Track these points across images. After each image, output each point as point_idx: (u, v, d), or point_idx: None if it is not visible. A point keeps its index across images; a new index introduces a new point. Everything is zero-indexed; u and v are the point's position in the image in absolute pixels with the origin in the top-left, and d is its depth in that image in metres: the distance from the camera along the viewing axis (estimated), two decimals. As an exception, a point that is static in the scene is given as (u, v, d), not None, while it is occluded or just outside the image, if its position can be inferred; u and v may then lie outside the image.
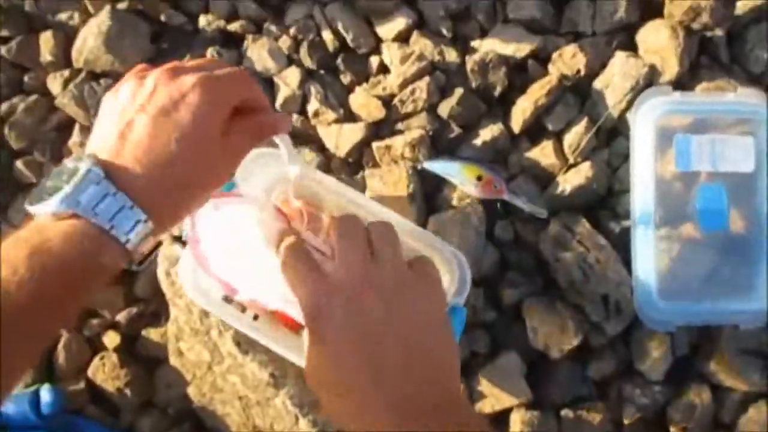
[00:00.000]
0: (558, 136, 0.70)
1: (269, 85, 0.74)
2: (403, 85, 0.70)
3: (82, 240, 0.38)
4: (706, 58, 0.70)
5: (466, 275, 0.60)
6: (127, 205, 0.39)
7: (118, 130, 0.41)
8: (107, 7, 0.74)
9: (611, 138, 0.70)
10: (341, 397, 0.39)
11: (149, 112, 0.41)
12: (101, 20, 0.73)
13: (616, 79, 0.68)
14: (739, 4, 0.70)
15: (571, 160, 0.68)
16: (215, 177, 0.44)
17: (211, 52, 0.74)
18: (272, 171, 0.65)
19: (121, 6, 0.75)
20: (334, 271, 0.41)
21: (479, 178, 0.65)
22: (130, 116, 0.41)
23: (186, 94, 0.42)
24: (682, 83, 0.68)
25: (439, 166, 0.66)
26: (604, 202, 0.69)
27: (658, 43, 0.68)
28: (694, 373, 0.70)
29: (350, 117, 0.72)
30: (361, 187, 0.69)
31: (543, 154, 0.69)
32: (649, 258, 0.64)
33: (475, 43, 0.72)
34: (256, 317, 0.64)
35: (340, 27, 0.73)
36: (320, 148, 0.72)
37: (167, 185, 0.40)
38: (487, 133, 0.70)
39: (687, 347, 0.70)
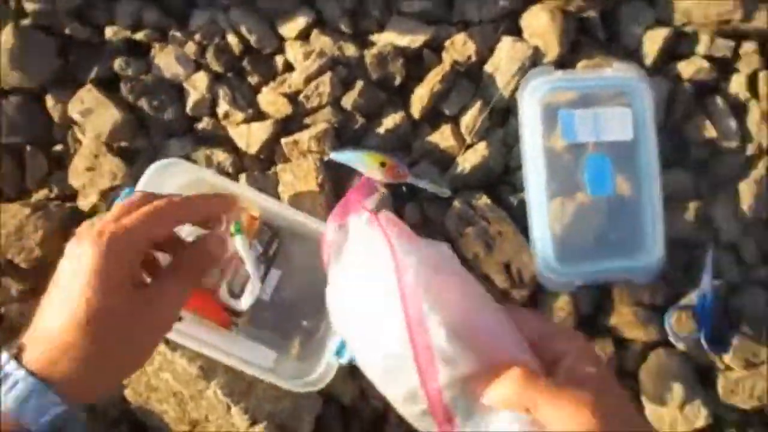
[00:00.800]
0: (455, 120, 0.74)
1: (178, 90, 0.76)
2: (307, 82, 0.73)
3: None
4: (586, 37, 0.75)
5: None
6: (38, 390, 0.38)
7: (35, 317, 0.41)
8: (10, 25, 0.74)
9: (505, 118, 0.74)
10: None
11: (48, 293, 0.41)
12: (5, 38, 0.74)
13: (503, 62, 0.73)
14: (611, -16, 0.75)
15: (469, 141, 0.72)
16: (138, 348, 0.43)
17: (119, 62, 0.75)
18: (182, 179, 0.67)
19: (25, 23, 0.76)
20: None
21: (383, 165, 0.69)
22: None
23: (79, 258, 0.40)
24: (564, 62, 0.73)
25: (344, 156, 0.70)
26: (503, 178, 0.74)
27: (540, 26, 0.72)
28: (598, 328, 0.76)
29: (259, 116, 0.75)
30: (274, 182, 0.72)
31: (442, 137, 0.73)
32: (544, 226, 0.69)
33: (373, 37, 0.76)
34: (180, 319, 0.66)
35: (243, 30, 0.75)
36: (233, 148, 0.75)
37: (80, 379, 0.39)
38: (390, 121, 0.73)
39: (591, 305, 0.75)
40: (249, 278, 0.62)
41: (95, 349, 0.39)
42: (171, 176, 0.65)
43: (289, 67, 0.76)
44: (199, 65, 0.76)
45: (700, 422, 0.72)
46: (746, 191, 0.73)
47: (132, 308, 0.41)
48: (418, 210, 0.73)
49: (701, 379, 0.75)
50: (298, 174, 0.70)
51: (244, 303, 0.63)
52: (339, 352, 0.62)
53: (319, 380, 0.63)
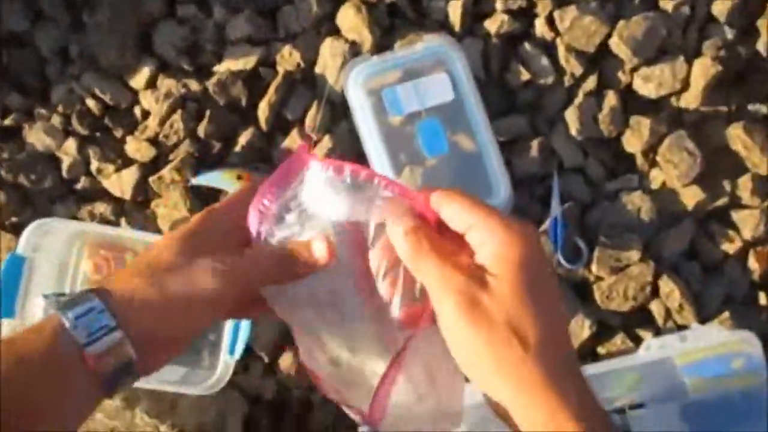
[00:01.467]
0: (301, 123, 0.81)
1: (53, 160, 0.82)
2: (162, 123, 0.80)
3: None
4: (398, 20, 0.82)
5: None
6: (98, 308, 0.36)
7: None
8: None
9: (346, 110, 0.81)
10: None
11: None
12: None
13: (328, 61, 0.80)
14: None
15: (315, 138, 0.79)
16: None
17: (-5, 150, 0.82)
18: (62, 236, 0.74)
19: None
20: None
21: (239, 178, 0.76)
22: None
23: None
24: (382, 47, 0.80)
25: (204, 179, 0.76)
26: (358, 163, 0.81)
27: (351, 22, 0.80)
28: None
29: (128, 164, 0.81)
30: (154, 219, 0.79)
31: (293, 141, 0.80)
32: (395, 194, 0.76)
33: (214, 68, 0.83)
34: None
35: (98, 92, 0.82)
36: (111, 198, 0.81)
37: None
38: (243, 139, 0.80)
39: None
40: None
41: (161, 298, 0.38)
42: (49, 235, 0.72)
43: (146, 115, 0.83)
44: (67, 133, 0.83)
45: (585, 332, 0.79)
46: (573, 118, 0.80)
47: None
48: (288, 210, 0.80)
49: (579, 293, 0.81)
50: (170, 205, 0.77)
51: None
52: (231, 351, 0.69)
53: (219, 380, 0.69)
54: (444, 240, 0.39)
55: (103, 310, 0.36)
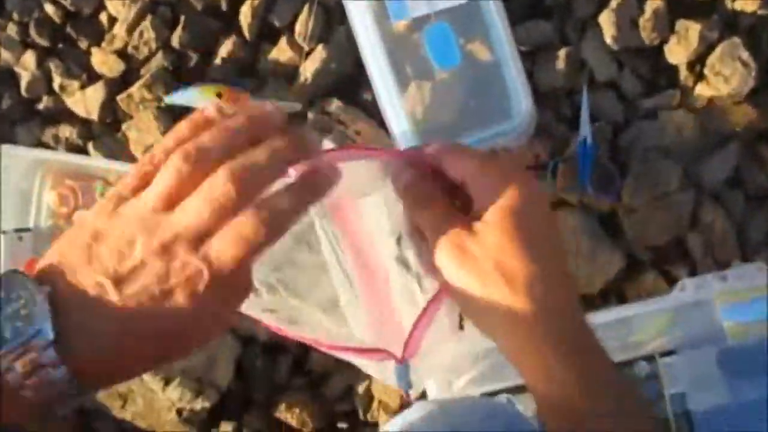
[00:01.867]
0: (291, 30, 0.69)
1: (11, 76, 0.72)
2: (130, 31, 0.69)
3: None
4: None
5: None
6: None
7: None
8: None
9: (343, 16, 0.70)
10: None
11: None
12: None
13: (321, -45, 0.68)
14: None
15: (306, 48, 0.68)
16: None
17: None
18: (21, 166, 0.65)
19: None
20: None
21: (219, 95, 0.65)
22: None
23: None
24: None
25: (178, 98, 0.66)
26: (356, 77, 0.70)
27: None
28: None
29: (96, 79, 0.71)
30: (125, 143, 0.69)
31: (280, 51, 0.69)
32: (400, 112, 0.65)
33: (190, -34, 0.71)
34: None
35: (57, -5, 0.71)
36: (77, 119, 0.72)
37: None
38: (224, 50, 0.69)
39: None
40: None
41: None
42: (7, 164, 0.63)
43: (114, 22, 0.72)
44: (25, 45, 0.73)
45: (613, 270, 0.70)
46: (608, 22, 0.68)
47: None
48: (278, 132, 0.70)
49: (607, 227, 0.72)
50: (142, 128, 0.68)
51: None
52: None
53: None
54: (443, 192, 0.39)
55: (49, 346, 0.28)
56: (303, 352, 0.75)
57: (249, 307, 0.42)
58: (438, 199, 0.38)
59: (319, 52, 0.67)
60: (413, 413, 0.47)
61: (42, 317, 0.28)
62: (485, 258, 0.36)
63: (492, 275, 0.36)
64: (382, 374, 0.48)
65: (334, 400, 0.76)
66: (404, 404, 0.73)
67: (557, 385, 0.36)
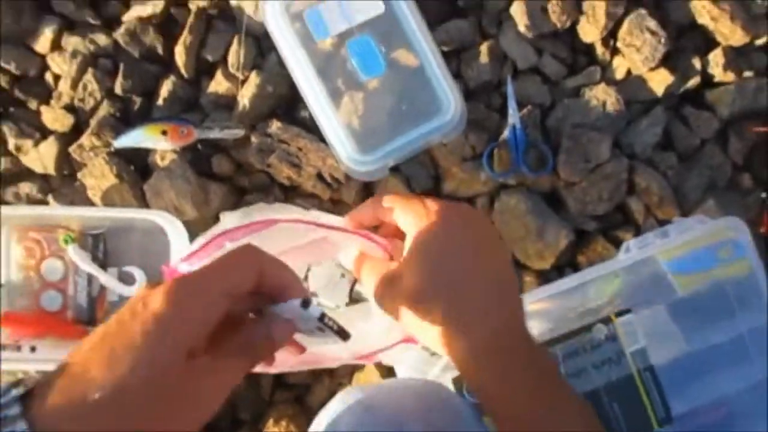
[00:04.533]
0: (224, 62, 0.72)
1: (-32, 144, 0.74)
2: (74, 86, 0.71)
3: None
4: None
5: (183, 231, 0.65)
6: None
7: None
8: None
9: (273, 42, 0.72)
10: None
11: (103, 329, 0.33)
12: None
13: (242, -11, 0.70)
14: None
15: (241, 77, 0.70)
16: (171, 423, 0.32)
17: None
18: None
19: None
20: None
21: (164, 132, 0.67)
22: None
23: (148, 301, 0.32)
24: (300, -35, 0.70)
25: (126, 140, 0.68)
26: (294, 97, 0.72)
27: (260, -60, 0.69)
28: (442, 197, 0.74)
29: (50, 135, 0.73)
30: (83, 191, 0.71)
31: (218, 83, 0.71)
32: (335, 125, 0.67)
33: (123, 18, 0.73)
34: (33, 350, 0.66)
35: (2, 63, 0.73)
36: (36, 176, 0.73)
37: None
38: (165, 90, 0.71)
39: (425, 178, 0.74)
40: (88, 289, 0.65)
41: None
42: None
43: (58, 79, 0.73)
44: (-22, 113, 0.74)
45: (562, 243, 0.71)
46: (519, 13, 0.70)
47: (170, 381, 0.32)
48: (227, 160, 0.72)
49: (551, 204, 0.74)
50: (96, 174, 0.69)
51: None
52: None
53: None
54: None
55: None
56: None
57: None
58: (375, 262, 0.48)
59: (254, 79, 0.69)
60: (337, 410, 0.49)
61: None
62: (405, 288, 0.43)
63: (410, 301, 0.42)
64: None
65: (319, 409, 0.76)
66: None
67: (485, 382, 0.41)
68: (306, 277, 0.68)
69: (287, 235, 0.57)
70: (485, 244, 0.44)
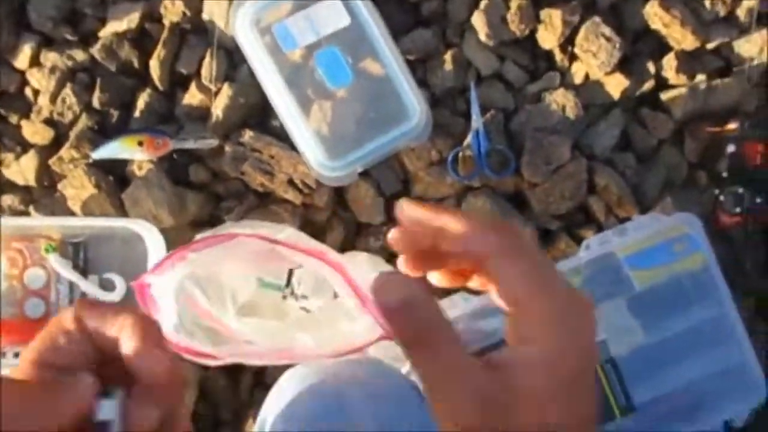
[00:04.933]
0: (198, 75, 0.74)
1: (-50, 158, 0.76)
2: (53, 100, 0.73)
3: None
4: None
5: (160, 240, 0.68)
6: None
7: None
8: None
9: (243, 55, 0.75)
10: None
11: None
12: None
13: (214, 5, 0.72)
14: None
15: (214, 89, 0.72)
16: None
17: None
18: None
19: None
20: None
21: (140, 144, 0.69)
22: None
23: None
24: (269, -20, 0.73)
25: (104, 152, 0.70)
26: (265, 107, 0.74)
27: (229, -43, 0.72)
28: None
29: (30, 148, 0.75)
30: (64, 201, 0.73)
31: (192, 95, 0.73)
32: (305, 132, 0.70)
33: (99, 33, 0.75)
34: (17, 355, 0.69)
35: (-19, 79, 0.75)
36: (18, 188, 0.75)
37: None
38: (141, 102, 0.73)
39: (394, 183, 0.76)
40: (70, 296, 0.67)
41: None
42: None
43: (38, 94, 0.76)
44: (-40, 127, 0.76)
45: (526, 242, 0.74)
46: (480, 22, 0.73)
47: None
48: (203, 169, 0.74)
49: (516, 204, 0.76)
50: (76, 184, 0.71)
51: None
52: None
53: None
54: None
55: None
56: (260, 367, 0.78)
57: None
58: (441, 327, 0.29)
59: (226, 91, 0.72)
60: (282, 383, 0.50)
61: None
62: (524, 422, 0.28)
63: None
64: None
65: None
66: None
67: None
68: (289, 281, 0.71)
69: (245, 247, 0.62)
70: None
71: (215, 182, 0.75)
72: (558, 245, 0.76)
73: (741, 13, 0.74)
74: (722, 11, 0.74)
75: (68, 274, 0.70)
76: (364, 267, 0.71)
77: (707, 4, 0.74)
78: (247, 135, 0.72)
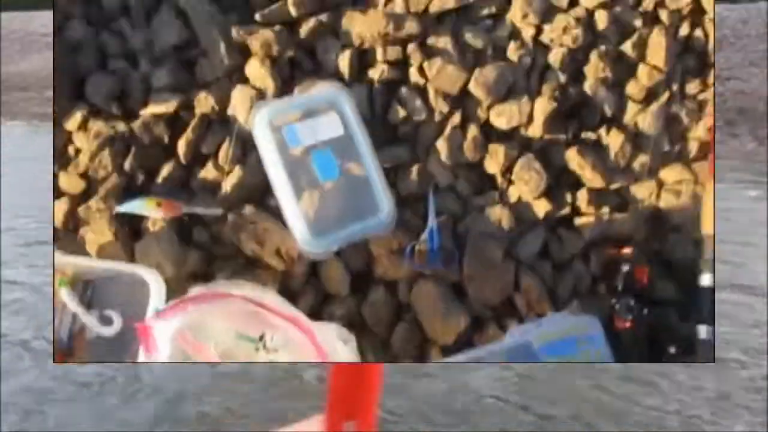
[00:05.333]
0: (215, 155, 0.91)
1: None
2: (92, 159, 0.89)
3: None
4: (297, 71, 0.95)
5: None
6: None
7: None
8: None
9: (254, 145, 0.92)
10: None
11: None
12: None
13: (238, 104, 0.91)
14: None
15: (227, 169, 0.90)
16: None
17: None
18: None
19: None
20: None
21: (159, 205, 0.85)
22: None
23: None
24: (284, 92, 0.92)
25: (128, 207, 0.85)
26: (266, 188, 0.91)
27: (256, 72, 0.92)
28: (374, 279, 0.93)
29: (62, 196, 0.89)
30: (83, 244, 0.86)
31: (208, 171, 0.90)
32: (296, 212, 0.86)
33: (141, 112, 0.92)
34: None
35: (33, 135, 0.90)
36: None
37: None
38: (165, 171, 0.90)
39: (360, 262, 0.93)
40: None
41: None
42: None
43: (78, 152, 0.91)
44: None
45: (461, 326, 0.90)
46: (443, 146, 0.94)
47: None
48: (205, 232, 0.89)
49: (456, 293, 0.93)
50: (96, 231, 0.85)
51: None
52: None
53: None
54: None
55: None
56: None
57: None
58: None
59: (237, 172, 0.89)
60: None
61: None
62: None
63: None
64: None
65: None
66: None
67: None
68: (262, 336, 0.84)
69: (231, 304, 0.74)
70: None
71: (213, 244, 0.89)
72: (487, 331, 0.92)
73: (637, 165, 0.97)
74: (623, 162, 0.96)
75: (73, 306, 0.82)
76: (332, 335, 0.85)
77: (612, 155, 0.97)
78: (248, 209, 0.88)
